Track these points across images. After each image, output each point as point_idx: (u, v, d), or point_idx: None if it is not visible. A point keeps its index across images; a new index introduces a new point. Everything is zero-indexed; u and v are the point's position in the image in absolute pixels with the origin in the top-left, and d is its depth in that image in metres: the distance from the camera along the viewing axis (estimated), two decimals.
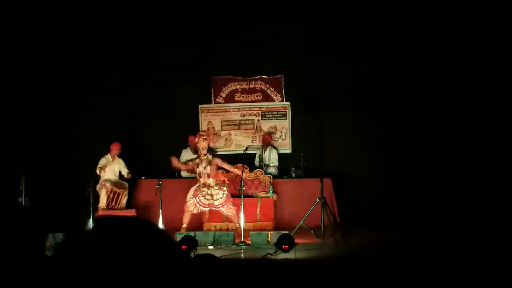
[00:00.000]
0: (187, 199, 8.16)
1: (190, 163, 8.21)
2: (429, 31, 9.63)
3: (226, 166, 8.25)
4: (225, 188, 8.09)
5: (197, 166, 8.02)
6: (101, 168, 9.26)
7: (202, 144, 7.99)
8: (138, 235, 1.33)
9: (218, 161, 8.08)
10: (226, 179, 8.40)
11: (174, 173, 9.80)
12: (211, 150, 8.12)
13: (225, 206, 8.03)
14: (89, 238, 1.36)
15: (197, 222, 8.65)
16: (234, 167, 8.35)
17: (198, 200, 7.99)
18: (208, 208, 8.12)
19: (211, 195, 7.98)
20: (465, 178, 9.39)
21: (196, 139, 8.25)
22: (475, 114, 9.47)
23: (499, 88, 9.41)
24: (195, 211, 8.13)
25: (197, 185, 8.14)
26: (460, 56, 9.52)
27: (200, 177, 8.02)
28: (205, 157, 7.98)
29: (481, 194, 9.15)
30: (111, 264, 1.27)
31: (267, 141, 9.98)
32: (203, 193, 7.97)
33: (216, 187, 7.99)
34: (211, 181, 7.98)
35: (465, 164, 9.45)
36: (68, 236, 2.79)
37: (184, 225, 8.05)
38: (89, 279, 1.26)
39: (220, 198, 8.00)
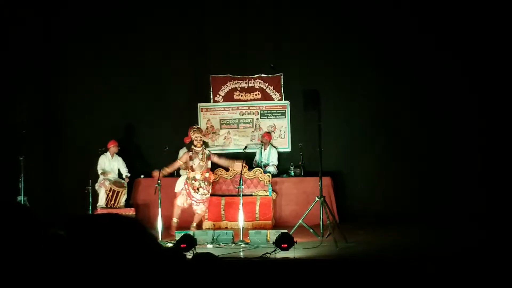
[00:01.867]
0: (177, 192, 8.27)
1: (180, 162, 8.21)
2: (429, 31, 9.62)
3: (222, 161, 8.32)
4: (210, 188, 8.24)
5: (191, 159, 8.05)
6: (103, 172, 9.23)
7: (197, 135, 8.08)
8: (112, 233, 1.31)
9: (215, 158, 8.20)
10: (212, 180, 8.43)
11: (174, 172, 9.78)
12: (205, 144, 8.22)
13: (202, 204, 8.17)
14: (65, 237, 1.35)
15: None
16: (231, 161, 8.37)
17: (188, 192, 8.04)
18: (194, 201, 8.15)
19: (199, 189, 8.05)
20: (465, 178, 9.41)
21: (191, 132, 8.31)
22: (472, 113, 9.48)
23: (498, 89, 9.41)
24: (185, 205, 8.21)
25: (185, 178, 8.19)
26: (460, 56, 9.51)
27: (193, 170, 8.04)
28: (201, 149, 8.06)
29: (481, 193, 9.18)
30: (85, 262, 1.25)
31: (267, 140, 9.96)
32: (194, 186, 8.03)
33: (206, 183, 8.07)
34: (201, 176, 8.02)
35: (465, 164, 9.46)
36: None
37: (175, 219, 8.11)
38: (66, 278, 1.25)
39: (203, 195, 8.13)
